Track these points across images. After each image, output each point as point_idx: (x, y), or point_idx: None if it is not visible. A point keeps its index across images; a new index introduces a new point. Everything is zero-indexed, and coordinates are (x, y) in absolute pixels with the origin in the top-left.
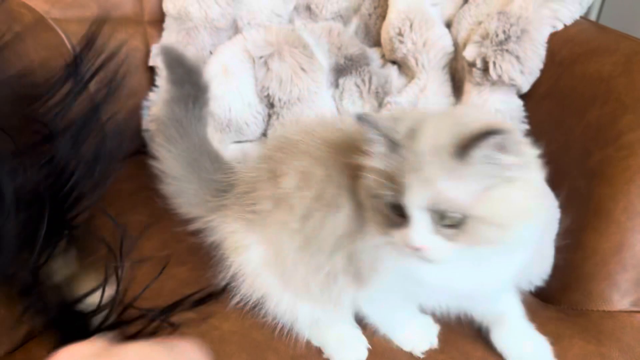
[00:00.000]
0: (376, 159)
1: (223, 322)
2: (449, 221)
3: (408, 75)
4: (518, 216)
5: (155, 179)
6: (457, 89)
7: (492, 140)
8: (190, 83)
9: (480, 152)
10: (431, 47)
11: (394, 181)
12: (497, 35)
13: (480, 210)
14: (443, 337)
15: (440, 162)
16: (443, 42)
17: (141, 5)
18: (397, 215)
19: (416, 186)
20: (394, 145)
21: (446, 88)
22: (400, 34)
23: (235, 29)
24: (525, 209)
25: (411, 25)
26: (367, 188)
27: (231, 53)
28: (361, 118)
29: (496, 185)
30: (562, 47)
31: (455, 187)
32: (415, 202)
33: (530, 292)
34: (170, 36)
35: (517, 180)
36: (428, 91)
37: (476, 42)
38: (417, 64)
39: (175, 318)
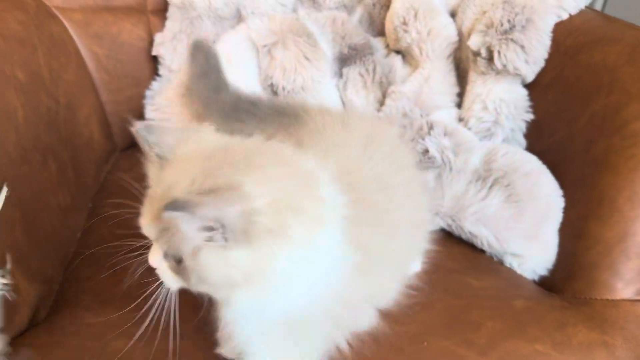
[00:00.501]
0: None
1: None
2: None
3: (412, 65)
4: (225, 281)
5: None
6: (462, 78)
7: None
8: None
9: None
10: (436, 37)
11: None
12: (502, 25)
13: (190, 262)
14: (446, 324)
15: (162, 207)
16: (447, 32)
17: None
18: None
19: (147, 216)
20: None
21: (450, 78)
22: (404, 23)
23: (239, 18)
24: (234, 277)
25: (415, 15)
26: None
27: (235, 42)
28: (138, 130)
29: (205, 245)
30: (567, 36)
31: (170, 235)
32: (144, 229)
33: (534, 282)
34: (173, 25)
35: (229, 248)
36: (432, 81)
37: (481, 31)
38: (421, 53)
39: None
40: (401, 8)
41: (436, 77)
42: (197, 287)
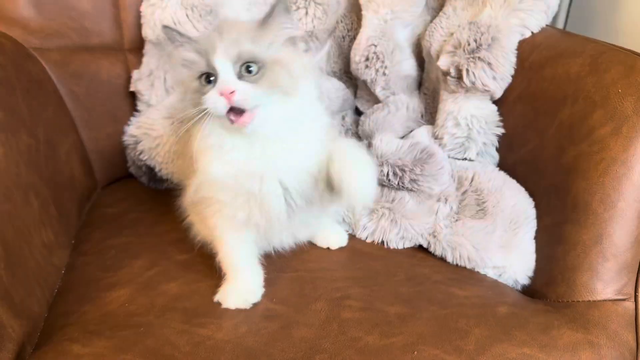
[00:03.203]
0: (186, 49)
1: (216, 331)
2: (252, 69)
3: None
4: (302, 70)
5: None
6: (433, 98)
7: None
8: None
9: (276, 17)
10: (394, 73)
11: (204, 54)
12: (469, 44)
13: (276, 57)
14: (434, 333)
15: (245, 29)
16: (404, 66)
17: (121, 33)
18: (207, 82)
19: (224, 47)
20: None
21: (413, 105)
22: (367, 59)
23: None
24: (306, 67)
25: (375, 52)
26: (184, 77)
27: None
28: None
29: (285, 45)
30: (530, 52)
31: (257, 44)
32: (223, 58)
33: (517, 291)
34: (150, 61)
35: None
36: (399, 112)
37: (449, 52)
38: (384, 87)
39: (166, 329)
40: (364, 45)
41: (402, 109)
42: (278, 83)
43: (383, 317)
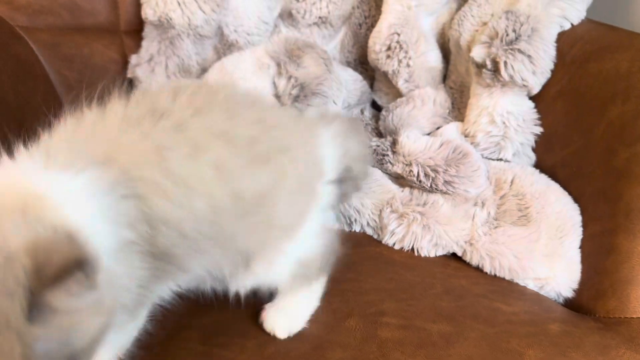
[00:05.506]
0: None
1: (239, 353)
2: None
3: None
4: None
5: None
6: (461, 93)
7: None
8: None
9: None
10: (419, 64)
11: None
12: (507, 35)
13: None
14: (486, 355)
15: None
16: (429, 57)
17: (117, 13)
18: None
19: None
20: None
21: (440, 99)
22: (389, 48)
23: (221, 37)
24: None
25: (399, 42)
26: None
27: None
28: None
29: None
30: (571, 46)
31: None
32: None
33: (561, 305)
34: (151, 45)
35: None
36: (425, 106)
37: (484, 42)
38: (407, 80)
39: (183, 350)
40: (386, 34)
41: (428, 104)
42: None
43: (426, 337)
